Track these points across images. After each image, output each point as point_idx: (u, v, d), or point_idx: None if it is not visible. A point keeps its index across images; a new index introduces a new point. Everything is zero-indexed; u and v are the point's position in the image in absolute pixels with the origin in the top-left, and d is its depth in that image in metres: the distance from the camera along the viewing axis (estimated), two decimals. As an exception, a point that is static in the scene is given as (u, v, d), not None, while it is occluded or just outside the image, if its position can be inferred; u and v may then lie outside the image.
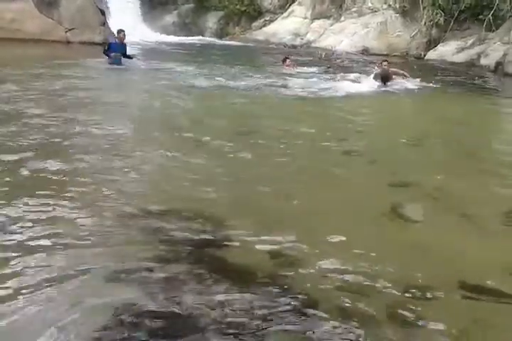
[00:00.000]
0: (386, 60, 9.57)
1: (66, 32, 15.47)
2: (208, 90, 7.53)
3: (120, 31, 10.36)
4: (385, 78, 8.70)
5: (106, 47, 9.85)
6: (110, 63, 9.65)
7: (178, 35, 18.34)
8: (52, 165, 3.51)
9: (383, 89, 8.58)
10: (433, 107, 7.61)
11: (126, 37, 11.97)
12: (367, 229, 2.87)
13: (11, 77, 7.15)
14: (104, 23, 15.88)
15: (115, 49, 9.74)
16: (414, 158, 4.47)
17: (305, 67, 11.32)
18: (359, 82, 8.81)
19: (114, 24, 16.91)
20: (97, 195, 3.07)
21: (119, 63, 9.74)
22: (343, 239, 2.68)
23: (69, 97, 6.10)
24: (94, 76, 8.36)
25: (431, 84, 9.03)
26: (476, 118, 6.97)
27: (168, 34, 18.27)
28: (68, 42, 14.54)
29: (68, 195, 3.04)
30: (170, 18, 19.69)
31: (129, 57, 10.17)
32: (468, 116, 7.10)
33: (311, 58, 13.72)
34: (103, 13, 16.27)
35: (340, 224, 2.92)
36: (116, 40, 10.28)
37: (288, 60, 11.07)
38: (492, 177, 4.03)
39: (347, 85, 8.49)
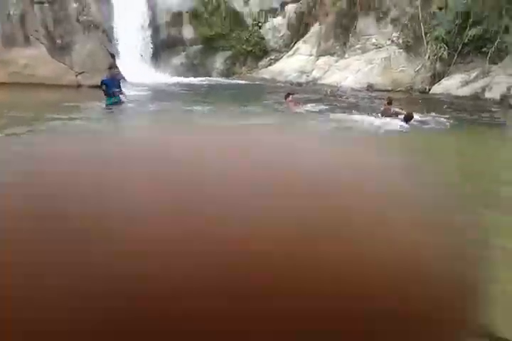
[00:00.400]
0: (389, 101, 10.05)
1: (77, 76, 16.12)
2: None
3: (112, 67, 10.68)
4: (387, 116, 9.31)
5: (102, 86, 9.97)
6: (108, 104, 9.82)
7: (187, 76, 18.91)
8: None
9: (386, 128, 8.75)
10: (448, 144, 7.69)
11: (136, 78, 12.44)
12: None
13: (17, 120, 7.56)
14: (114, 66, 16.46)
15: (110, 85, 9.87)
16: None
17: (310, 104, 11.58)
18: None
19: (124, 67, 17.57)
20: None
21: (118, 101, 9.98)
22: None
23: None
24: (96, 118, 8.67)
25: (441, 120, 9.12)
26: (488, 154, 7.01)
27: (177, 75, 18.86)
28: (78, 86, 15.08)
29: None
30: (178, 60, 20.33)
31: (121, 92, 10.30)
32: (481, 152, 7.16)
33: (318, 95, 13.99)
34: (113, 56, 16.93)
35: None
36: (108, 76, 10.42)
37: (291, 96, 11.29)
38: None
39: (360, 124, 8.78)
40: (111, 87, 9.86)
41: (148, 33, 19.77)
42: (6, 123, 7.76)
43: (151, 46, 19.78)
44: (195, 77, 18.96)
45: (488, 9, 14.62)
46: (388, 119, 9.26)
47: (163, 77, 18.39)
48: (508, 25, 14.00)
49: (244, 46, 20.16)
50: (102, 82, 10.02)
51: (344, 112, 10.39)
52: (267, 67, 19.79)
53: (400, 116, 9.34)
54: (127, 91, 14.62)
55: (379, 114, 9.76)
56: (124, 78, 16.19)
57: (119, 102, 10.12)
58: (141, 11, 19.77)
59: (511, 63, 13.06)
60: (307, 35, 19.17)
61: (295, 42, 19.72)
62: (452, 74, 14.87)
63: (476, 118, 10.58)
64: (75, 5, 16.74)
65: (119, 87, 10.30)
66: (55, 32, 16.39)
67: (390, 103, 9.94)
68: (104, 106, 10.07)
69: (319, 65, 17.88)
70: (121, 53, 18.80)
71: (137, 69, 18.56)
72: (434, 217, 0.21)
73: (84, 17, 16.70)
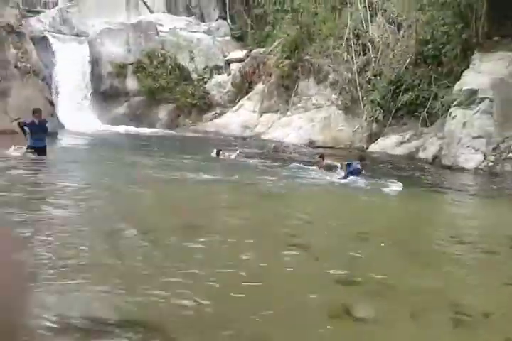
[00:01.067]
0: (320, 154, 11.42)
1: (12, 122, 15.59)
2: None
3: (36, 111, 9.62)
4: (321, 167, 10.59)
5: (23, 130, 9.27)
6: (31, 147, 9.11)
7: (128, 126, 18.93)
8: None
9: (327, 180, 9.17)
10: (376, 203, 8.00)
11: (76, 127, 12.15)
12: (318, 331, 2.85)
13: None
14: (53, 114, 16.19)
15: (35, 130, 9.19)
16: (361, 254, 4.58)
17: (255, 159, 11.93)
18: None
19: (63, 115, 17.35)
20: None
21: (44, 147, 9.32)
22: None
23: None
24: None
25: (375, 179, 9.56)
26: (418, 213, 7.39)
27: (118, 125, 18.82)
28: (13, 132, 14.53)
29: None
30: (121, 110, 20.40)
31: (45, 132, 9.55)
32: (410, 211, 7.55)
33: (261, 150, 14.44)
34: (52, 103, 16.68)
35: (291, 327, 2.89)
36: (35, 120, 9.43)
37: (221, 152, 11.85)
38: (435, 272, 4.23)
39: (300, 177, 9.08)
40: (37, 131, 9.19)
41: (90, 82, 19.84)
42: None
43: (92, 95, 19.78)
44: (137, 127, 19.05)
45: (419, 78, 16.13)
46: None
47: (104, 127, 18.29)
48: (436, 93, 15.45)
49: (189, 99, 20.62)
50: (26, 126, 9.31)
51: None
52: (211, 120, 20.27)
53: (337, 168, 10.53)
54: (65, 140, 14.43)
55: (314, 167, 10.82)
56: (59, 124, 15.96)
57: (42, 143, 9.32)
58: (84, 60, 19.95)
59: (441, 127, 14.25)
60: (251, 93, 20.05)
61: (239, 99, 20.49)
62: (388, 134, 15.93)
63: (410, 177, 11.28)
64: (14, 51, 16.56)
65: (46, 129, 9.57)
66: (-9, 76, 16.04)
67: (321, 157, 11.03)
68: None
69: (263, 121, 18.63)
70: (61, 101, 18.64)
71: (77, 117, 18.37)
72: None
73: (23, 63, 16.49)
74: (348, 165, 9.96)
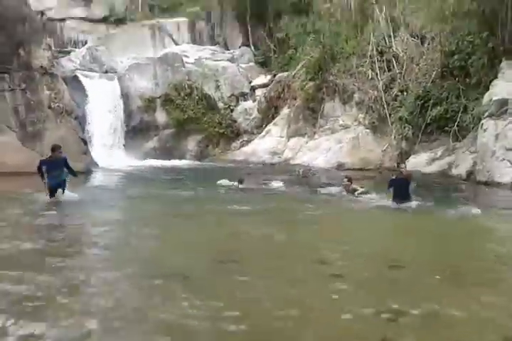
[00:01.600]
0: (347, 178, 11.02)
1: (47, 163, 16.30)
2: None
3: (55, 148, 9.66)
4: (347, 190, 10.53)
5: (38, 169, 9.27)
6: (50, 188, 9.12)
7: (160, 159, 19.43)
8: None
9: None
10: (417, 225, 7.92)
11: (109, 163, 12.25)
12: None
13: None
14: (86, 152, 16.80)
15: (50, 167, 9.22)
16: (401, 283, 4.53)
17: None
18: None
19: (96, 152, 18.00)
20: None
21: (61, 182, 9.31)
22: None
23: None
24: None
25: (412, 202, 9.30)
26: (457, 233, 7.25)
27: (150, 159, 19.35)
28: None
29: None
30: (151, 144, 20.98)
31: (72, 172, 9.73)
32: (450, 231, 7.42)
33: (289, 175, 14.52)
34: (85, 142, 17.31)
35: None
36: (51, 158, 9.51)
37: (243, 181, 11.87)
38: (482, 299, 4.09)
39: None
40: (52, 170, 9.22)
41: (121, 118, 20.54)
42: None
43: (124, 131, 20.46)
44: (168, 159, 19.47)
45: (447, 91, 15.89)
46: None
47: (136, 162, 18.82)
48: (466, 105, 15.15)
49: (216, 129, 20.99)
50: (42, 164, 9.37)
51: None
52: (239, 148, 20.52)
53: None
54: (99, 177, 14.96)
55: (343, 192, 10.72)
56: (93, 162, 16.51)
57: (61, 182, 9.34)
58: (114, 97, 20.69)
59: (473, 140, 13.92)
60: (277, 118, 20.23)
61: (266, 125, 20.70)
62: (418, 152, 15.67)
63: (446, 196, 11.03)
64: (47, 92, 17.29)
65: (66, 166, 9.64)
66: (26, 119, 16.83)
67: (350, 180, 10.79)
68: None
69: (290, 146, 18.71)
70: (94, 139, 19.37)
71: (109, 154, 19.05)
72: None
73: (57, 104, 17.13)
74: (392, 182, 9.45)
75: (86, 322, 3.53)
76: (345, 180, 10.83)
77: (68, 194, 9.61)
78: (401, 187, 9.29)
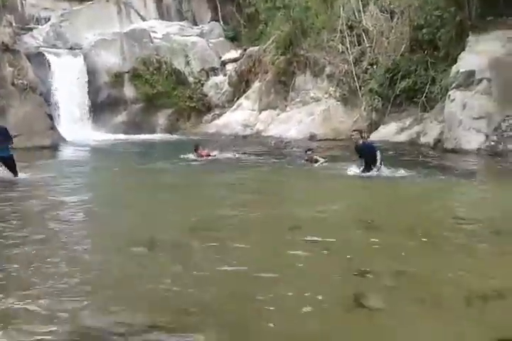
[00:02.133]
0: (310, 149, 11.29)
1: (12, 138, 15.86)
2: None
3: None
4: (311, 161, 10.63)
5: None
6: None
7: (129, 134, 19.16)
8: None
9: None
10: (384, 188, 8.04)
11: (77, 138, 11.73)
12: (332, 323, 2.95)
13: None
14: (52, 127, 16.47)
15: None
16: (369, 243, 4.62)
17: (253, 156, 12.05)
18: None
19: (63, 128, 17.63)
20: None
21: (2, 153, 8.61)
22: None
23: None
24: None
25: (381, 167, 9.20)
26: (428, 197, 7.40)
27: (119, 133, 19.06)
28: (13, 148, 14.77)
29: None
30: (120, 118, 20.65)
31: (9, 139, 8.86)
32: (419, 195, 7.57)
33: (262, 147, 14.55)
34: (51, 117, 16.95)
35: (305, 318, 3.00)
36: None
37: (201, 148, 11.91)
38: (450, 258, 4.24)
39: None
40: None
41: (87, 93, 20.08)
42: None
43: (91, 106, 20.04)
44: (138, 134, 19.27)
45: (415, 64, 16.11)
46: None
47: (105, 136, 18.53)
48: (434, 77, 15.42)
49: (187, 103, 20.84)
50: None
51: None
52: (211, 121, 20.43)
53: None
54: (66, 153, 14.65)
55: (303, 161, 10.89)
56: (60, 137, 16.14)
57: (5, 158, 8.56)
58: (79, 73, 20.20)
59: (441, 111, 14.21)
60: (249, 91, 20.16)
61: (237, 98, 20.62)
62: (388, 122, 15.91)
63: (414, 161, 11.25)
64: (10, 68, 16.82)
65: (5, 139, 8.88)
66: (-11, 96, 16.31)
67: (310, 151, 11.10)
68: None
69: (262, 119, 18.70)
70: (61, 114, 18.94)
71: (77, 129, 18.65)
72: None
73: (20, 80, 16.74)
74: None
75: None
76: (309, 152, 11.04)
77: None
78: (366, 154, 9.17)
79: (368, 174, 8.96)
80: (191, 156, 11.74)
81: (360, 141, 9.46)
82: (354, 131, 10.21)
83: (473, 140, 12.63)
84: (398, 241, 4.71)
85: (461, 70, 13.57)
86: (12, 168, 8.80)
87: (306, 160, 10.85)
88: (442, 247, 4.56)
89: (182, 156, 11.83)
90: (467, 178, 9.36)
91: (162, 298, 3.27)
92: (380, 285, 3.57)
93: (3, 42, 16.49)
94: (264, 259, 4.12)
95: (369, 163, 9.07)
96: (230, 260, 3.99)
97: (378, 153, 9.15)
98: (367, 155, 9.15)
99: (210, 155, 11.81)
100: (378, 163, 8.99)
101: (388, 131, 15.40)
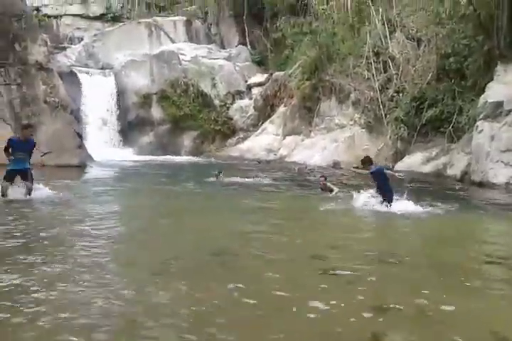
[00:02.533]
0: (323, 177, 10.79)
1: (42, 156, 16.15)
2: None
3: (26, 126, 8.67)
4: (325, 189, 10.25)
5: (5, 145, 8.17)
6: (10, 169, 8.12)
7: (155, 155, 19.32)
8: None
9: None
10: (411, 224, 7.82)
11: (104, 157, 11.83)
12: None
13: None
14: (81, 146, 16.67)
15: (17, 147, 8.17)
16: (395, 278, 4.49)
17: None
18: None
19: (91, 146, 17.86)
20: None
21: (23, 165, 8.18)
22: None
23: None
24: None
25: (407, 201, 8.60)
26: (456, 233, 7.18)
27: (145, 154, 19.25)
28: (43, 166, 15.06)
29: None
30: (147, 139, 20.89)
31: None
32: (447, 230, 7.35)
33: (285, 173, 14.46)
34: (80, 136, 17.18)
35: None
36: (19, 137, 8.46)
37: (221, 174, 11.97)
38: (479, 297, 4.09)
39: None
40: (18, 150, 8.12)
41: (116, 113, 20.41)
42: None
43: (119, 126, 20.33)
44: (163, 155, 19.44)
45: (442, 93, 15.92)
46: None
47: (132, 156, 18.72)
48: (461, 107, 15.20)
49: (212, 126, 21.03)
50: (9, 142, 8.22)
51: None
52: (235, 145, 20.55)
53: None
54: (93, 171, 14.79)
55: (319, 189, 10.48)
56: (88, 156, 16.32)
57: (23, 165, 8.15)
58: (110, 92, 20.58)
59: (468, 142, 13.94)
60: (274, 116, 20.24)
61: (262, 122, 20.72)
62: (414, 152, 15.68)
63: (441, 195, 11.01)
64: (43, 86, 17.20)
65: (31, 150, 8.44)
66: (21, 113, 16.68)
67: (325, 179, 10.61)
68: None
69: (286, 144, 18.68)
70: (89, 133, 19.23)
71: (105, 148, 18.90)
72: None
73: (52, 98, 17.07)
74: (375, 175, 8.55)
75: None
76: (322, 179, 10.63)
77: (39, 188, 8.41)
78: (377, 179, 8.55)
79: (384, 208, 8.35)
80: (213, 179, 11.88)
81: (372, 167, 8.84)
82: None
83: (500, 173, 12.30)
84: (424, 277, 4.56)
85: (489, 101, 13.34)
86: (27, 180, 8.30)
87: (321, 188, 10.51)
88: (469, 286, 4.38)
89: (206, 180, 11.87)
90: (494, 214, 9.09)
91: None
92: (401, 322, 3.42)
93: (37, 61, 16.88)
94: (282, 288, 4.01)
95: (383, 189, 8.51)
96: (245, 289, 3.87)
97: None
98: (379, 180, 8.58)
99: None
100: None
101: (414, 161, 15.16)
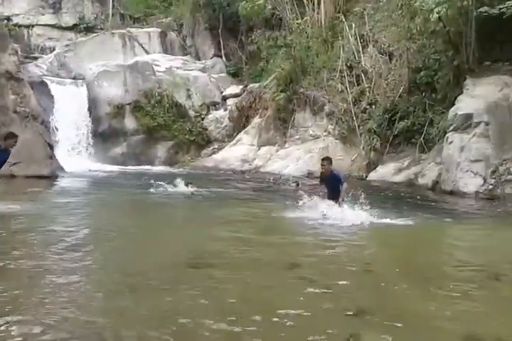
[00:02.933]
0: (296, 183, 11.15)
1: (10, 166, 15.81)
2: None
3: (11, 136, 8.46)
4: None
5: None
6: None
7: (128, 165, 19.18)
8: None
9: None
10: (380, 232, 7.96)
11: (75, 168, 11.59)
12: None
13: None
14: (52, 157, 16.44)
15: None
16: (367, 285, 4.63)
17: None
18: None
19: (62, 157, 17.63)
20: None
21: None
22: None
23: None
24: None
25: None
26: (425, 240, 7.37)
27: (118, 164, 19.09)
28: (12, 176, 14.75)
29: None
30: (119, 149, 20.72)
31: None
32: (418, 237, 7.53)
33: (259, 183, 14.56)
34: (51, 146, 16.94)
35: None
36: (1, 145, 8.26)
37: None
38: (448, 300, 4.22)
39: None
40: None
41: (89, 123, 20.21)
42: None
43: (92, 136, 20.13)
44: (137, 165, 19.34)
45: (414, 105, 16.39)
46: None
47: (104, 167, 18.52)
48: (432, 119, 15.67)
49: (187, 136, 20.99)
50: None
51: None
52: (210, 155, 20.54)
53: None
54: (64, 182, 14.59)
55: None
56: (59, 167, 16.10)
57: None
58: (82, 103, 20.40)
59: (439, 152, 14.37)
60: (249, 127, 20.36)
61: (237, 133, 20.79)
62: (386, 162, 16.03)
63: (411, 204, 11.26)
64: (13, 96, 16.96)
65: (2, 164, 8.36)
66: (-10, 123, 16.37)
67: (297, 185, 10.91)
68: None
69: (261, 154, 18.79)
70: (61, 144, 19.01)
71: (76, 159, 18.67)
72: None
73: (22, 108, 16.85)
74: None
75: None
76: (294, 184, 10.84)
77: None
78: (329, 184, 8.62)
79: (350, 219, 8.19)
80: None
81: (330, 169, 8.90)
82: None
83: (470, 183, 12.70)
84: (395, 283, 4.68)
85: (459, 113, 13.81)
86: None
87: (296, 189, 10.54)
88: (439, 291, 4.52)
89: (176, 190, 11.86)
90: (465, 222, 9.37)
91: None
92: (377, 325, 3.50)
93: (7, 71, 16.71)
94: (259, 298, 4.05)
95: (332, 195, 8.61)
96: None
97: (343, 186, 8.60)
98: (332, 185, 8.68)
99: None
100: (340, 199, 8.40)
101: (386, 171, 15.49)
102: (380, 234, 7.72)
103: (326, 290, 4.33)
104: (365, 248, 6.68)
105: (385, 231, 7.84)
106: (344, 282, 4.67)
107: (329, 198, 8.78)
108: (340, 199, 8.46)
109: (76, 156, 19.02)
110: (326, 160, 9.28)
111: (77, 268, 4.90)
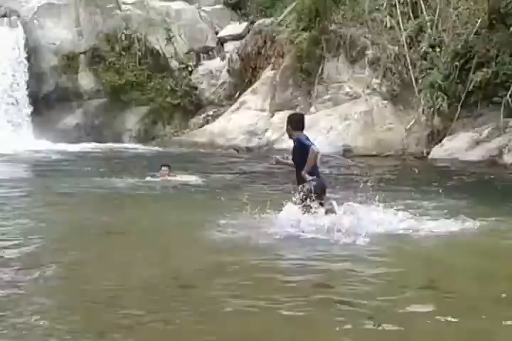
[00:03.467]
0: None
1: None
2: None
3: None
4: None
5: None
6: None
7: (84, 142, 19.44)
8: None
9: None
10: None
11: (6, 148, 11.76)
12: None
13: None
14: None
15: None
16: None
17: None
18: None
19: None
20: None
21: None
22: None
23: None
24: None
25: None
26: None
27: (70, 141, 19.24)
28: None
29: None
30: (72, 120, 20.86)
31: None
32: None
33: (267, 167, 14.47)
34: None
35: None
36: None
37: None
38: None
39: None
40: None
41: (26, 82, 20.30)
42: None
43: (31, 102, 20.25)
44: (97, 142, 19.51)
45: (496, 46, 16.23)
46: None
47: (50, 145, 18.70)
48: (525, 67, 15.57)
49: (168, 98, 21.08)
50: None
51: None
52: (202, 126, 20.62)
53: None
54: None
55: None
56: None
57: None
58: (16, 51, 20.42)
59: (534, 115, 14.36)
60: (257, 83, 20.34)
61: (240, 93, 20.85)
62: (457, 131, 16.03)
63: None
64: None
65: None
66: None
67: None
68: None
69: (275, 124, 18.78)
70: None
71: (11, 135, 18.89)
72: None
73: None
74: None
75: None
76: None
77: None
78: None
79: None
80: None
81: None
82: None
83: None
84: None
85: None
86: None
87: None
88: None
89: (148, 179, 12.10)
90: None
91: None
92: None
93: None
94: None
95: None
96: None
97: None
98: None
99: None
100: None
101: (457, 146, 15.50)
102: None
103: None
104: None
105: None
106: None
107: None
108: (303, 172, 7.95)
109: (10, 132, 19.23)
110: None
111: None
